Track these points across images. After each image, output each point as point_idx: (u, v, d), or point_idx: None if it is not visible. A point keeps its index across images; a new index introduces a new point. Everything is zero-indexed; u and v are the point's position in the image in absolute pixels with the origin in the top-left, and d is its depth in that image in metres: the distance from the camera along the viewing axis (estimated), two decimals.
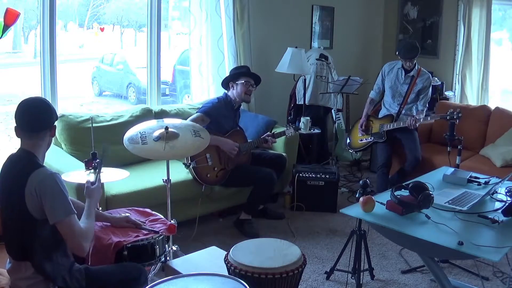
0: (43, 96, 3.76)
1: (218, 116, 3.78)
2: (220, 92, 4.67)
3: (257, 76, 3.91)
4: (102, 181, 2.66)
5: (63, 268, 2.03)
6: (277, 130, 4.28)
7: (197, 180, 3.66)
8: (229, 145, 3.70)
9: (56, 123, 2.13)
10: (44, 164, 2.04)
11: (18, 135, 2.05)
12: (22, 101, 2.07)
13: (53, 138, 2.19)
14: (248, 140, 3.95)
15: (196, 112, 3.80)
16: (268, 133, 3.96)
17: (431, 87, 4.47)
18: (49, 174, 1.96)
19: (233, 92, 3.86)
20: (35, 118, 2.03)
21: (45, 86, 3.81)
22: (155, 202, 3.29)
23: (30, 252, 1.97)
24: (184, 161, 3.50)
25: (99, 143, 2.94)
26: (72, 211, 1.98)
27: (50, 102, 2.46)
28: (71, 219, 1.96)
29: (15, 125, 2.04)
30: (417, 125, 4.28)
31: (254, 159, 3.96)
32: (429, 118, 4.31)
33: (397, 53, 4.35)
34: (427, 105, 4.46)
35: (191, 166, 3.45)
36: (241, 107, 4.12)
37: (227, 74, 4.69)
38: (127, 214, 2.59)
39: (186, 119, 3.60)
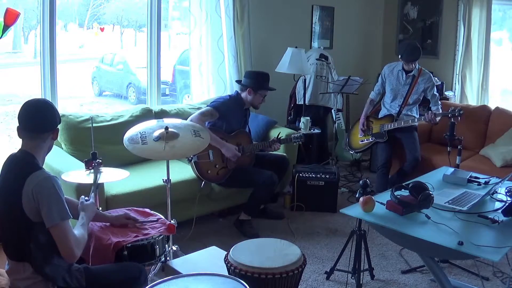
0: (43, 96, 3.76)
1: (227, 114, 3.79)
2: (220, 92, 4.69)
3: (273, 89, 3.98)
4: (102, 182, 2.68)
5: (62, 269, 2.02)
6: (278, 130, 4.29)
7: (197, 175, 3.67)
8: (231, 152, 3.70)
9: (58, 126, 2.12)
10: (43, 165, 2.03)
11: (20, 135, 2.04)
12: (27, 102, 2.06)
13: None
14: (253, 142, 3.96)
15: (207, 106, 3.82)
16: (274, 138, 3.97)
17: (435, 85, 4.46)
18: (47, 177, 1.94)
19: (247, 96, 3.88)
20: (39, 119, 2.02)
21: (45, 86, 3.81)
22: (155, 202, 3.29)
23: (27, 253, 1.96)
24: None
25: (99, 143, 2.94)
26: (68, 215, 1.97)
27: None
28: (66, 224, 1.95)
29: (18, 125, 2.03)
30: (438, 119, 4.14)
31: (256, 160, 3.95)
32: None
33: (399, 56, 4.31)
34: (439, 102, 4.40)
35: (192, 161, 3.47)
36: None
37: (227, 74, 4.70)
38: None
39: (189, 117, 3.61)
